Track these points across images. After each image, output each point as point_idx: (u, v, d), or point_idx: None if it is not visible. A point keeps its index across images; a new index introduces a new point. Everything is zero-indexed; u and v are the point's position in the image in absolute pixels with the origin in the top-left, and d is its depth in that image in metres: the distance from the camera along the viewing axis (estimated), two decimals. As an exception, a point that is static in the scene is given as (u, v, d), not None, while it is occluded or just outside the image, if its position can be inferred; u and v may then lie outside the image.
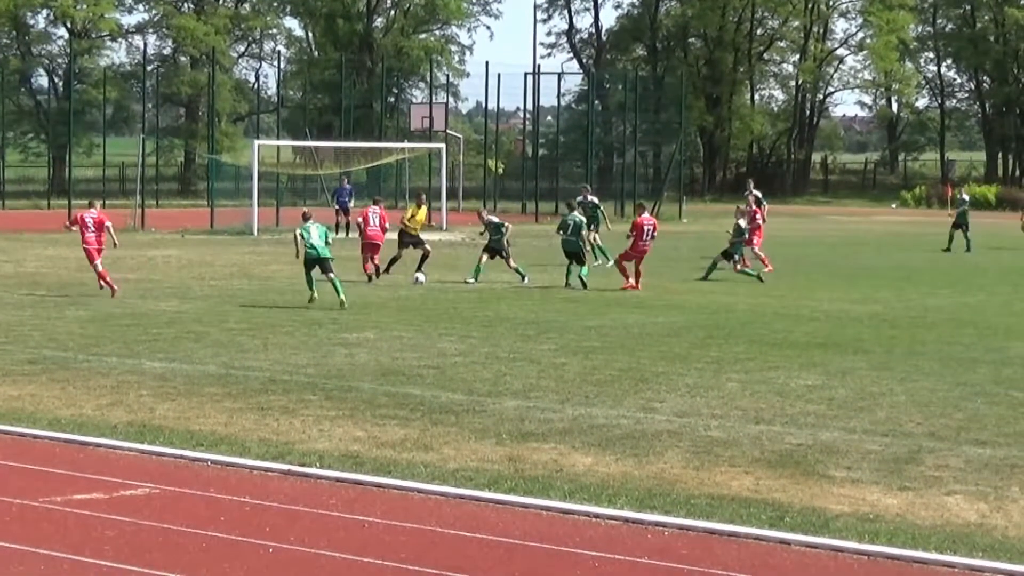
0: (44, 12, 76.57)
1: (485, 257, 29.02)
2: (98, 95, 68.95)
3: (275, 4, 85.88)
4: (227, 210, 49.25)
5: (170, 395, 14.56)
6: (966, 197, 43.18)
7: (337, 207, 44.56)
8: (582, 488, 10.71)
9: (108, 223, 25.95)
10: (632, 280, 27.65)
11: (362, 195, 62.95)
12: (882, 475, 11.35)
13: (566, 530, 9.64)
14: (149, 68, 66.98)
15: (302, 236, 24.19)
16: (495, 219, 30.20)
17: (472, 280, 28.21)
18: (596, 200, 35.63)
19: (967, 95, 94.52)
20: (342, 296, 23.28)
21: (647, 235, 28.17)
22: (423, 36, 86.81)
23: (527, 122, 69.33)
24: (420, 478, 11.00)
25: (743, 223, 30.71)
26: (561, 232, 28.49)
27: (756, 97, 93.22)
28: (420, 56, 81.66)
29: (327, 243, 24.21)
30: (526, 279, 28.22)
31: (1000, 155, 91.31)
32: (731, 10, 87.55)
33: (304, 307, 23.30)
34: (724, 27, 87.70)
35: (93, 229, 25.59)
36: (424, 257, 28.80)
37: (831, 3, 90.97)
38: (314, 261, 23.91)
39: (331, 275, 23.77)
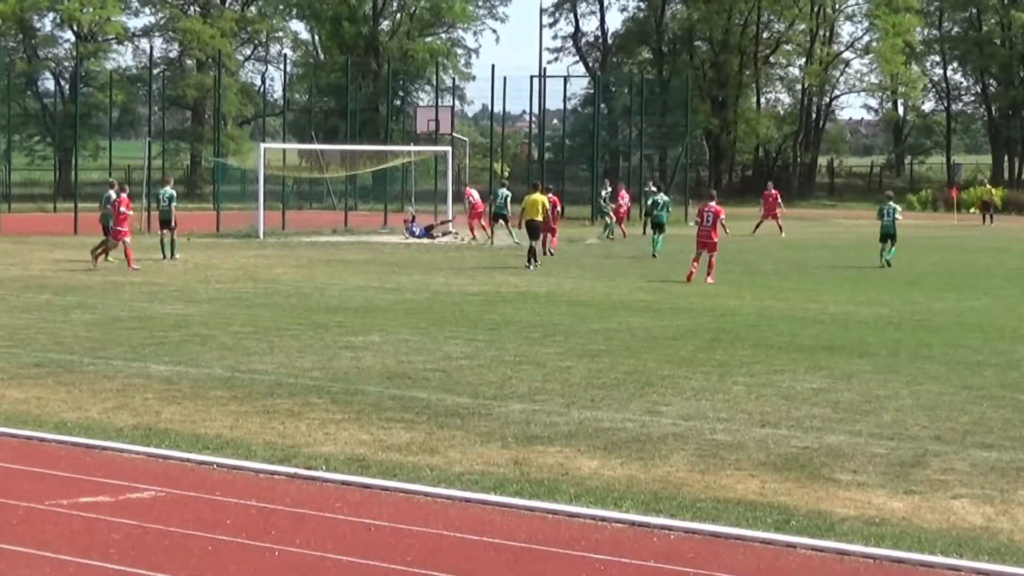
0: (50, 15, 76.82)
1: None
2: (104, 98, 69.03)
3: (281, 7, 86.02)
4: (233, 213, 49.30)
5: (176, 398, 14.57)
6: None
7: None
8: (588, 491, 10.70)
9: None
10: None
11: (367, 198, 63.28)
12: (888, 479, 11.33)
13: (572, 533, 9.63)
14: (155, 71, 67.00)
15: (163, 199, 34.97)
16: None
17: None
18: None
19: (973, 98, 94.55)
20: (175, 253, 34.34)
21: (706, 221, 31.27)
22: (429, 39, 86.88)
23: (533, 125, 69.23)
24: (426, 481, 11.00)
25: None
26: None
27: (762, 100, 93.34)
28: (426, 59, 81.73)
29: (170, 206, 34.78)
30: None
31: (1006, 158, 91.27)
32: (737, 13, 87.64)
33: (308, 310, 23.33)
34: (730, 30, 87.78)
35: None
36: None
37: (837, 6, 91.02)
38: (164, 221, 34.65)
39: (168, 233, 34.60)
